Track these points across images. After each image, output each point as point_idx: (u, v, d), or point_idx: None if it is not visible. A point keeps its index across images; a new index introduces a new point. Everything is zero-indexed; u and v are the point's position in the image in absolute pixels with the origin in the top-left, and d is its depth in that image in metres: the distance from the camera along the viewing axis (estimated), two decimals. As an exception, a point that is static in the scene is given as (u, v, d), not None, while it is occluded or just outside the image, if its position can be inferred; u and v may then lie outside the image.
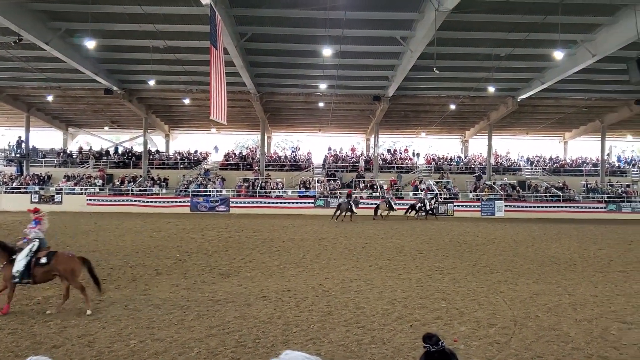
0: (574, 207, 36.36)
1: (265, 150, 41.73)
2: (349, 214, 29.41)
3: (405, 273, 13.27)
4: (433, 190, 36.83)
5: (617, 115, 38.20)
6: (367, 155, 44.13)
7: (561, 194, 37.85)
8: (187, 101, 35.56)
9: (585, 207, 36.56)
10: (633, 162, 46.17)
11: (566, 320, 8.97)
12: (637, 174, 43.40)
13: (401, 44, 24.48)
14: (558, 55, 23.95)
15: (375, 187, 37.63)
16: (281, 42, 25.73)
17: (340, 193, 36.46)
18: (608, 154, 45.25)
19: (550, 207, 36.34)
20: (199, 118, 41.30)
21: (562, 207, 36.41)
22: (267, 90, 34.52)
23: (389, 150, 46.69)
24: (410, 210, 32.59)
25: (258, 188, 36.73)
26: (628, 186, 40.08)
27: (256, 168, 40.06)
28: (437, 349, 3.47)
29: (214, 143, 46.68)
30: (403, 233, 23.05)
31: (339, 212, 29.37)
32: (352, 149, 45.80)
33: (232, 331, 8.26)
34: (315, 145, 47.31)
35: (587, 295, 10.97)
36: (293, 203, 35.61)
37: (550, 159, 45.97)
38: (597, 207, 36.71)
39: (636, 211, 36.49)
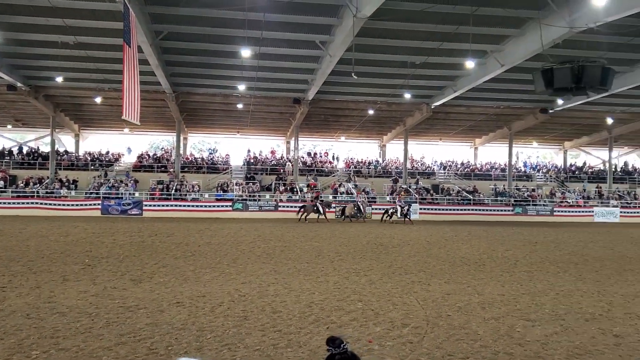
0: (483, 210, 38.10)
1: (181, 151, 40.78)
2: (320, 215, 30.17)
3: (323, 276, 13.27)
4: (410, 195, 37.27)
5: (523, 122, 40.41)
6: (287, 158, 44.14)
7: (472, 198, 39.55)
8: (98, 100, 34.06)
9: (494, 210, 38.43)
10: (538, 167, 49.11)
11: (475, 319, 9.26)
12: (541, 178, 46.15)
13: (320, 48, 24.65)
14: (469, 64, 25.01)
15: (295, 189, 37.64)
16: (198, 41, 25.18)
17: (259, 196, 36.22)
18: (516, 160, 47.78)
19: (461, 209, 37.87)
20: (111, 118, 39.62)
21: (472, 210, 38.06)
22: (183, 90, 33.69)
23: (309, 154, 46.93)
24: (385, 215, 32.51)
25: (173, 190, 35.75)
26: (533, 190, 42.51)
27: (171, 170, 39.00)
28: (340, 352, 3.45)
29: (127, 143, 44.99)
30: (322, 236, 23.14)
31: (305, 213, 29.90)
32: (272, 152, 45.66)
33: (144, 338, 7.88)
34: (234, 147, 46.76)
35: (495, 294, 11.41)
36: (210, 206, 34.94)
37: (462, 163, 47.97)
38: (505, 210, 38.68)
39: (540, 214, 38.78)
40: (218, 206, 34.98)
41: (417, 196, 38.03)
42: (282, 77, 30.70)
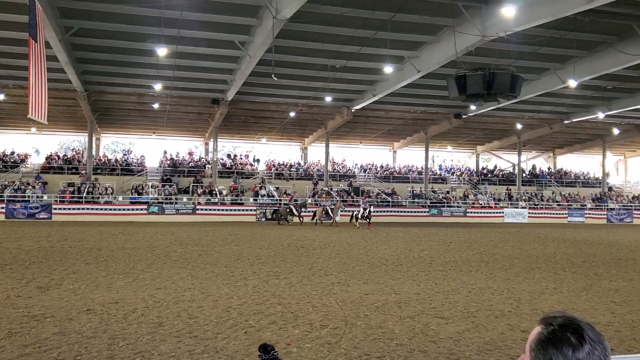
0: (401, 211, 39.09)
1: (94, 152, 39.02)
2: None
3: (242, 279, 13.05)
4: (370, 198, 37.06)
5: (438, 127, 41.86)
6: (206, 160, 43.35)
7: (390, 199, 40.48)
8: (1, 97, 31.91)
9: (411, 212, 39.54)
10: (452, 170, 51.05)
11: (392, 318, 9.39)
12: (455, 181, 47.99)
13: (240, 48, 24.34)
14: (388, 69, 25.57)
15: (214, 192, 36.97)
16: (112, 38, 24.15)
17: (176, 198, 35.34)
18: (432, 163, 49.40)
19: (381, 211, 38.62)
20: (16, 116, 37.21)
21: (391, 211, 38.94)
22: (96, 89, 32.26)
23: (228, 155, 46.30)
24: (352, 218, 31.82)
25: (85, 193, 34.11)
26: (448, 192, 44.11)
27: (83, 172, 37.23)
28: (269, 358, 3.52)
29: (35, 144, 42.51)
30: (242, 239, 22.86)
31: (281, 216, 29.90)
32: (190, 153, 44.69)
33: (50, 348, 7.39)
34: (150, 148, 45.37)
35: (411, 293, 11.65)
36: (124, 209, 33.68)
37: (381, 166, 49.05)
38: (422, 212, 39.90)
39: (454, 215, 40.30)
40: (133, 209, 33.78)
41: (338, 198, 38.42)
42: (201, 76, 30.07)
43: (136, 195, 35.13)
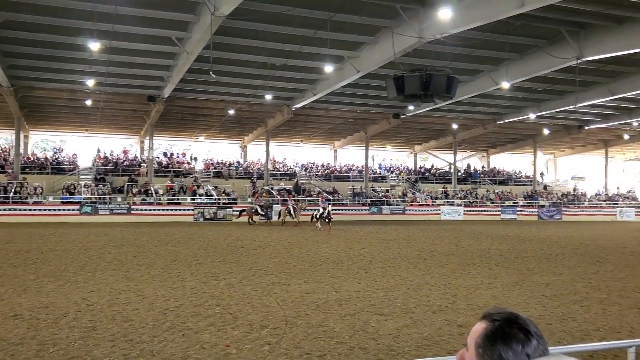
0: (342, 210, 39.32)
1: (22, 150, 37.24)
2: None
3: (179, 281, 12.77)
4: (329, 199, 36.45)
5: (378, 127, 42.44)
6: (141, 158, 42.22)
7: (332, 198, 40.67)
8: None
9: (352, 210, 39.92)
10: (391, 169, 51.93)
11: (332, 316, 9.41)
12: (394, 180, 48.82)
13: (177, 45, 23.79)
14: (328, 69, 25.67)
15: (150, 192, 36.01)
16: (42, 32, 22.98)
17: (110, 199, 34.26)
18: (372, 162, 50.02)
19: (310, 210, 38.64)
20: None
21: (333, 210, 39.04)
22: (24, 84, 30.71)
23: (165, 154, 45.26)
24: (312, 219, 30.93)
25: (12, 193, 32.48)
26: (387, 191, 44.78)
27: (10, 171, 35.48)
28: None
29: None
30: (179, 240, 22.41)
31: (248, 217, 29.75)
32: (125, 151, 43.41)
33: (-29, 358, 6.97)
34: (83, 146, 43.76)
35: (351, 291, 11.72)
36: (55, 210, 32.32)
37: (322, 165, 49.27)
38: (362, 210, 40.35)
39: (394, 213, 41.00)
40: (64, 210, 32.47)
41: (279, 197, 38.27)
42: (136, 73, 29.16)
43: (68, 195, 33.77)
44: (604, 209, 48.15)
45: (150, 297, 10.94)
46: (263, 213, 32.77)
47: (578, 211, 46.69)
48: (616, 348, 5.54)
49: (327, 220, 29.25)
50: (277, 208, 36.03)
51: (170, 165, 41.97)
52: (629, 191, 53.45)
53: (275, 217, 33.99)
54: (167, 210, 34.94)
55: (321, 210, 30.19)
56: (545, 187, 51.64)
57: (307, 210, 33.38)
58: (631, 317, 9.73)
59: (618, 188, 53.59)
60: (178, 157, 44.69)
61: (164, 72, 29.09)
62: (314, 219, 30.57)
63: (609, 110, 39.46)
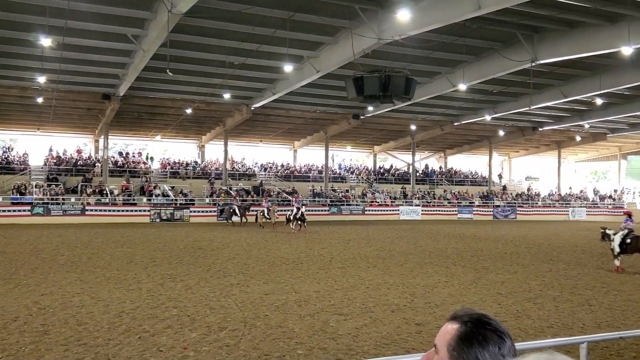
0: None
1: (-30, 150, 35.77)
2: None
3: (135, 283, 12.50)
4: (302, 200, 35.72)
5: (338, 127, 42.54)
6: (96, 158, 41.19)
7: (291, 198, 40.53)
8: None
9: (312, 210, 39.61)
10: (351, 169, 52.19)
11: (292, 317, 9.35)
12: (354, 180, 49.08)
13: (133, 42, 23.26)
14: (287, 68, 25.54)
15: (104, 192, 35.13)
16: (-10, 27, 22.15)
17: (63, 199, 33.29)
18: (332, 162, 50.15)
19: (282, 210, 38.51)
20: None
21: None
22: (-29, 81, 29.52)
23: (120, 153, 44.27)
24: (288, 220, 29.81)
25: (-42, 194, 31.21)
26: (347, 191, 44.98)
27: (-44, 171, 34.04)
28: None
29: None
30: (135, 241, 21.96)
31: (225, 216, 29.83)
32: (79, 151, 42.30)
33: None
34: (34, 145, 42.44)
35: (311, 291, 11.69)
36: (4, 211, 31.28)
37: (282, 165, 49.11)
38: (322, 210, 40.35)
39: (353, 213, 41.20)
40: (14, 211, 31.45)
41: (237, 198, 37.92)
42: (90, 70, 28.34)
43: (18, 196, 32.65)
44: (556, 208, 49.55)
45: (106, 299, 10.68)
46: (239, 214, 32.46)
47: (532, 211, 48.00)
48: (569, 344, 5.66)
49: (301, 220, 28.44)
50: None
51: (126, 165, 41.08)
52: (581, 191, 55.19)
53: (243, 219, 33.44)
54: (123, 211, 34.19)
55: (295, 210, 29.40)
56: (504, 187, 52.83)
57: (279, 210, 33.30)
58: (583, 314, 10.01)
59: (570, 188, 55.25)
60: (134, 156, 43.78)
61: (120, 70, 28.41)
62: (288, 220, 29.78)
63: (561, 112, 40.64)
